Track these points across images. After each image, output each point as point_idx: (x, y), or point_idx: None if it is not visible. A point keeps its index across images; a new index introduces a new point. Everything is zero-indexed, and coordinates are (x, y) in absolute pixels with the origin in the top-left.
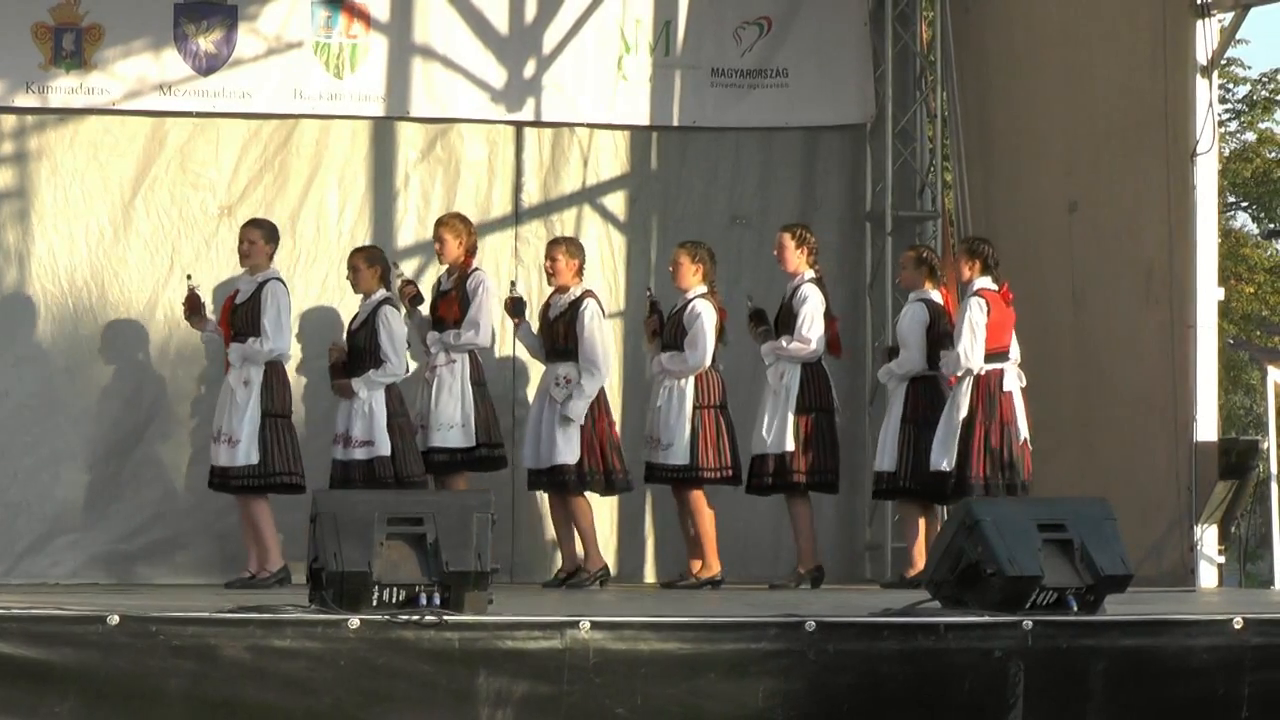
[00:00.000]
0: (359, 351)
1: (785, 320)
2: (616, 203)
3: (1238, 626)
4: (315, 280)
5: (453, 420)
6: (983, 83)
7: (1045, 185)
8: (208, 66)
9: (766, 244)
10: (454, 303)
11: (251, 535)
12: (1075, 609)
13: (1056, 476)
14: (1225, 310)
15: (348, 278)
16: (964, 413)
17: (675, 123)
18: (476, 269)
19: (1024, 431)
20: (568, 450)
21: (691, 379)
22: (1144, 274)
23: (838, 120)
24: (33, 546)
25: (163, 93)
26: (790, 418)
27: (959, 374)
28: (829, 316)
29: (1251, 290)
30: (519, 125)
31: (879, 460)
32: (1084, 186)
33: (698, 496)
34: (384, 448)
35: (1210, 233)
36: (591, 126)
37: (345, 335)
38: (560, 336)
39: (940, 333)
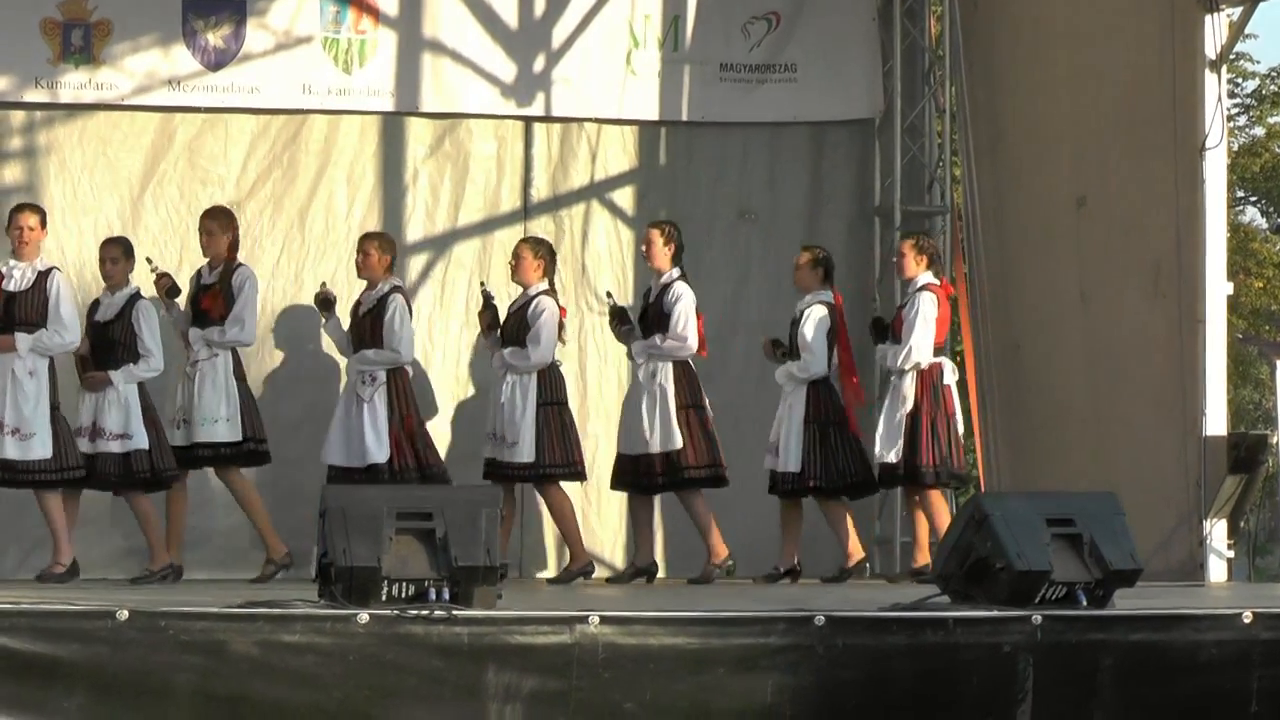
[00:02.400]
0: (111, 343)
1: (656, 318)
2: (625, 198)
3: (1247, 621)
4: (324, 274)
5: (217, 414)
6: (991, 77)
7: (1053, 180)
8: (216, 62)
9: (774, 239)
10: (218, 297)
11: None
12: (1084, 604)
13: (1065, 471)
14: (1234, 305)
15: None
16: (910, 405)
17: (684, 118)
18: (241, 264)
19: (961, 424)
20: (379, 449)
21: (535, 375)
22: (1152, 269)
23: (846, 115)
24: (43, 541)
25: (171, 88)
26: (673, 415)
27: (907, 367)
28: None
29: (1260, 285)
30: (528, 120)
31: (783, 461)
32: (1092, 181)
33: (554, 492)
34: (141, 441)
35: (1219, 228)
36: (600, 121)
37: (88, 327)
38: (367, 331)
39: (834, 335)
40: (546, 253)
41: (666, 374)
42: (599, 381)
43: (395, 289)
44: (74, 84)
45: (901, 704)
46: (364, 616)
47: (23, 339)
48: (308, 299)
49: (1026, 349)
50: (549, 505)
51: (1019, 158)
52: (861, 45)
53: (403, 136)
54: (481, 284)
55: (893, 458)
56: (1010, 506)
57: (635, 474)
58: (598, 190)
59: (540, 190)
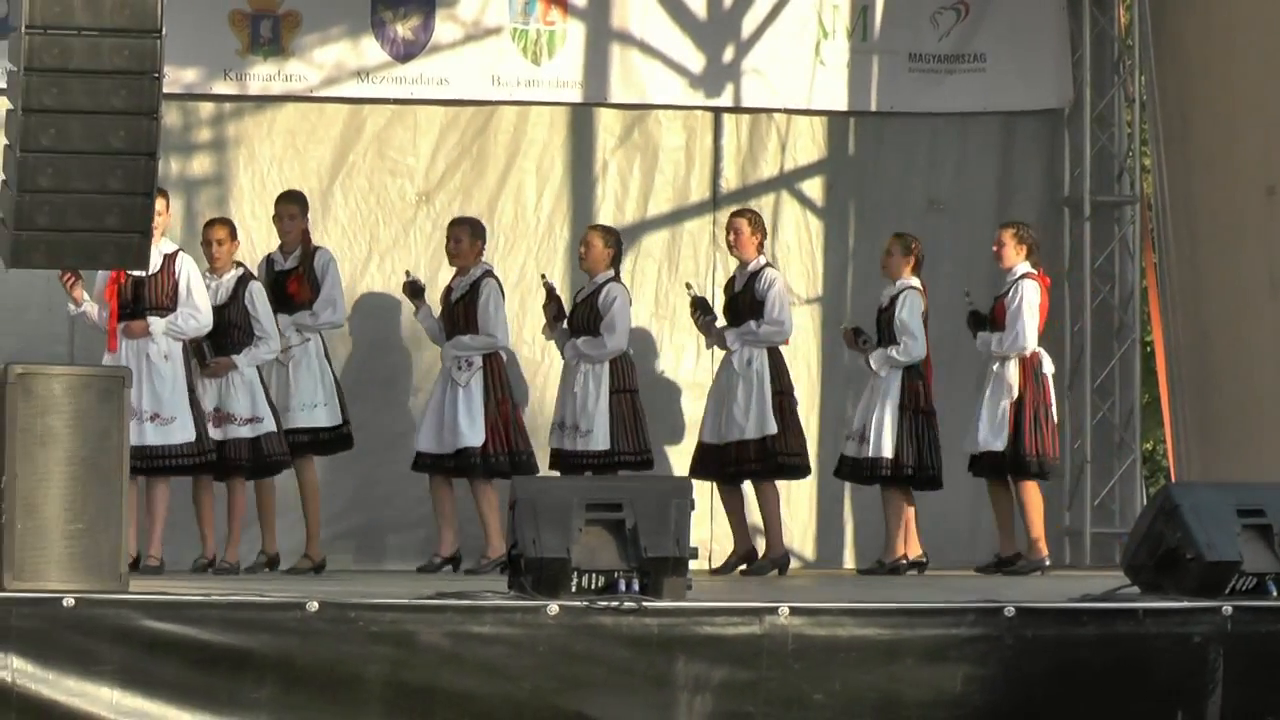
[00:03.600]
0: (226, 326)
1: (747, 306)
2: (814, 188)
3: None
4: (514, 266)
5: (315, 399)
6: (1180, 65)
7: (1243, 168)
8: (405, 53)
9: (964, 229)
10: (302, 281)
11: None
12: (1275, 594)
13: (1256, 461)
14: None
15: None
16: (1015, 393)
17: (873, 108)
18: (320, 246)
19: (1055, 415)
20: (472, 433)
21: (607, 364)
22: None
23: (1035, 105)
24: (226, 535)
25: (360, 79)
26: (769, 400)
27: (1013, 354)
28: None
29: None
30: (717, 111)
31: (874, 447)
32: None
33: None
34: (270, 424)
35: None
36: (789, 112)
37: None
38: (460, 317)
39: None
40: (615, 241)
41: (762, 360)
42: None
43: (487, 273)
44: (262, 76)
45: (1090, 695)
46: (553, 608)
47: (156, 322)
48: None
49: (1216, 338)
50: None
51: (1208, 146)
52: (1050, 34)
53: (592, 127)
54: (543, 276)
55: (999, 445)
56: (1200, 497)
57: (723, 462)
58: (787, 181)
59: (729, 181)
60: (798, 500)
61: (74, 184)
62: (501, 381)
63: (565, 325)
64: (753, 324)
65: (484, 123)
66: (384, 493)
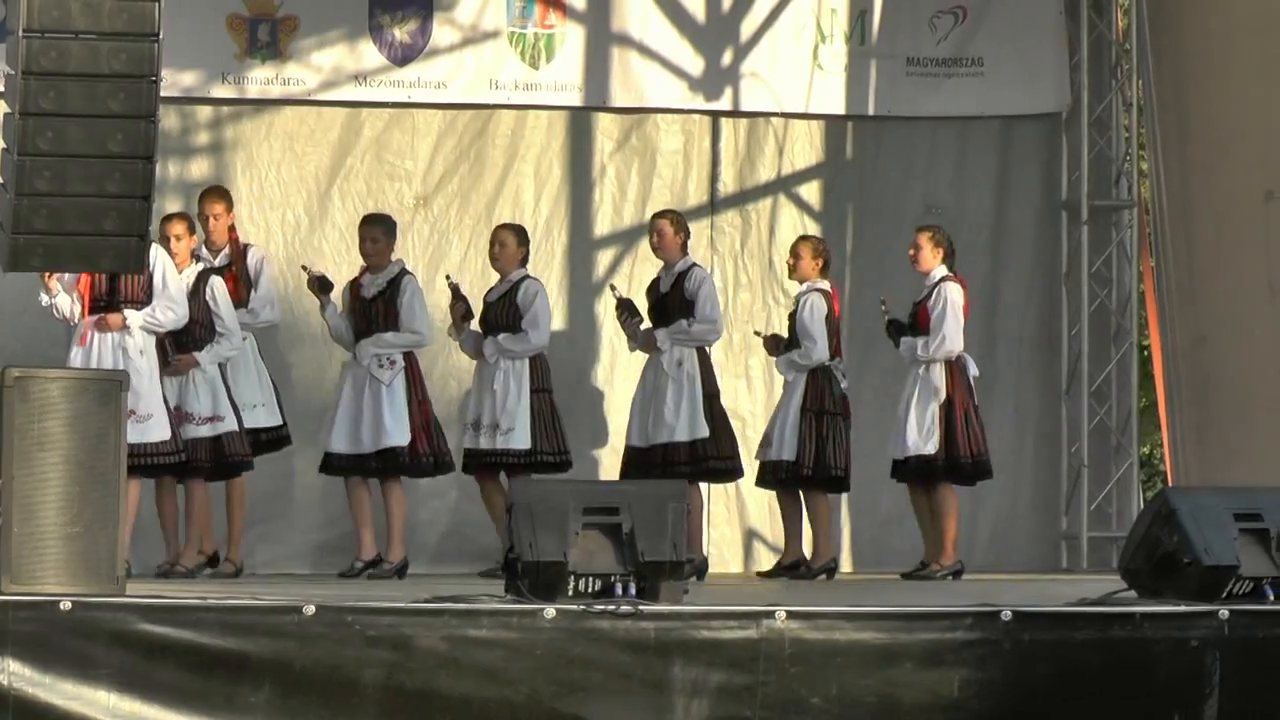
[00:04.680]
0: (189, 323)
1: (676, 305)
2: (812, 192)
3: None
4: None
5: (255, 400)
6: (1179, 70)
7: (1241, 173)
8: (403, 57)
9: (962, 234)
10: (236, 280)
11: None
12: (1272, 599)
13: (1253, 465)
14: None
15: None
16: (943, 396)
17: (871, 112)
18: (249, 244)
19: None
20: (398, 432)
21: (527, 362)
22: None
23: (1033, 109)
24: (226, 538)
25: (358, 83)
26: (700, 403)
27: (940, 357)
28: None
29: None
30: (715, 115)
31: (776, 450)
32: None
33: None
34: (232, 423)
35: None
36: (787, 116)
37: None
38: (380, 314)
39: (832, 323)
40: (527, 240)
41: (693, 362)
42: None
43: (405, 270)
44: (260, 79)
45: (1088, 698)
46: (550, 611)
47: (133, 315)
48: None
49: (1213, 342)
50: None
51: (1206, 150)
52: (1048, 39)
53: (590, 131)
54: (448, 276)
55: (930, 450)
56: (1197, 501)
57: (651, 464)
58: (784, 185)
59: (727, 185)
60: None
61: (72, 187)
62: (421, 380)
63: (474, 325)
64: (684, 323)
65: (482, 126)
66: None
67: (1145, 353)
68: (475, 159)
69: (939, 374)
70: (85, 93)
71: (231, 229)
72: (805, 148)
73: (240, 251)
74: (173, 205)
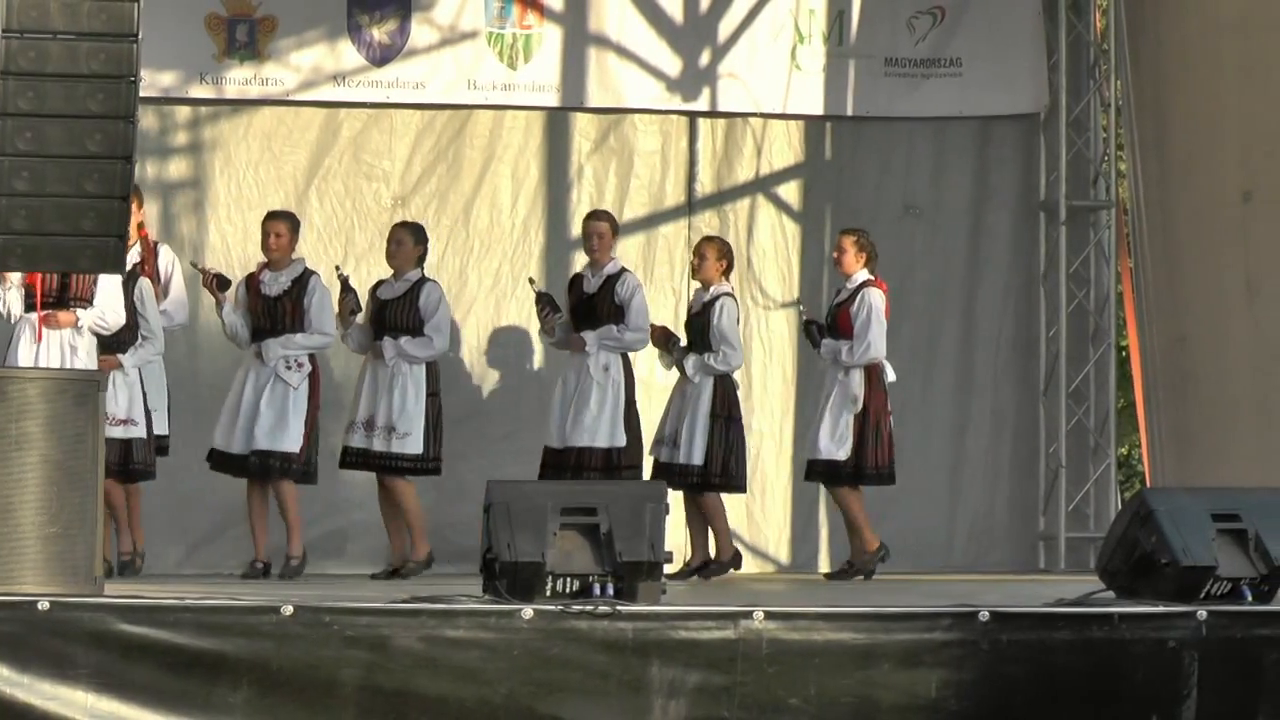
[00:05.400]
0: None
1: (606, 309)
2: (790, 193)
3: None
4: (489, 271)
5: (157, 405)
6: (1157, 71)
7: (1219, 174)
8: (381, 57)
9: (940, 234)
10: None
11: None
12: (1250, 599)
13: (1232, 466)
14: None
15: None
16: (860, 403)
17: (849, 112)
18: (160, 243)
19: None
20: (296, 437)
21: (424, 365)
22: None
23: (1011, 110)
24: (206, 537)
25: (336, 83)
26: (622, 412)
27: (864, 363)
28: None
29: None
30: (693, 115)
31: (685, 454)
32: (1259, 175)
33: (405, 486)
34: (142, 430)
35: None
36: (765, 116)
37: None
38: (285, 314)
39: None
40: (424, 239)
41: (619, 368)
42: (764, 378)
43: (309, 270)
44: (239, 80)
45: (1066, 699)
46: (528, 612)
47: (84, 314)
48: (472, 294)
49: (1192, 342)
50: (405, 494)
51: (1184, 151)
52: (1026, 39)
53: (567, 132)
54: (337, 268)
55: (841, 455)
56: (1176, 502)
57: (563, 467)
58: (763, 185)
59: (705, 185)
60: (772, 505)
61: (50, 187)
62: (319, 385)
63: (361, 321)
64: (614, 328)
65: (460, 127)
66: (358, 497)
67: (1123, 353)
68: (453, 159)
69: (858, 380)
70: (64, 93)
71: (141, 227)
72: (783, 148)
73: (152, 251)
74: (151, 206)
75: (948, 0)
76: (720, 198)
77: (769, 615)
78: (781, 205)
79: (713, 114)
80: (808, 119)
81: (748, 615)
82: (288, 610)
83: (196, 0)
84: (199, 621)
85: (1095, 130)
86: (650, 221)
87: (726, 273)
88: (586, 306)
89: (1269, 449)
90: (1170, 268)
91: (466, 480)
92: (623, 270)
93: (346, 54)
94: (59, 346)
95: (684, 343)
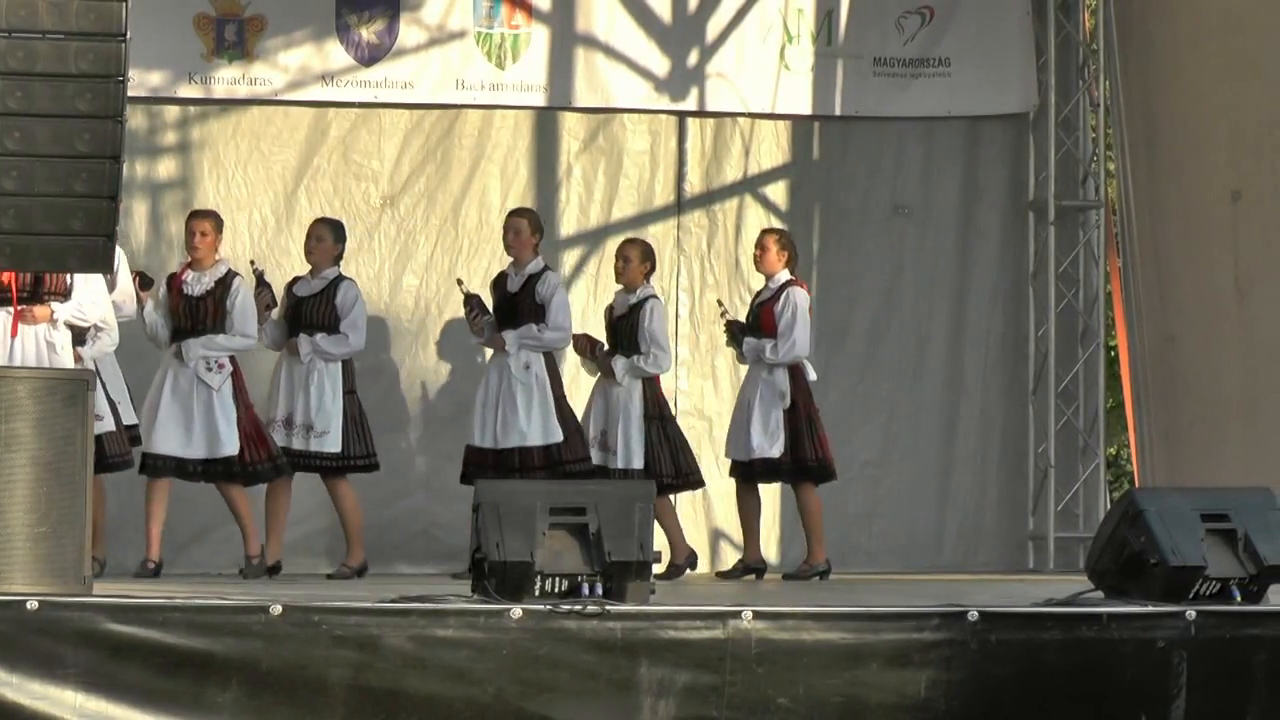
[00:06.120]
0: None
1: (526, 308)
2: (778, 193)
3: None
4: (478, 270)
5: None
6: (1146, 71)
7: (1208, 174)
8: (370, 57)
9: (929, 234)
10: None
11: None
12: (1239, 599)
13: (1221, 466)
14: None
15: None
16: (788, 400)
17: (838, 112)
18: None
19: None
20: (231, 440)
21: (341, 363)
22: None
23: (1000, 109)
24: (195, 537)
25: (325, 83)
26: (552, 407)
27: (789, 361)
28: None
29: None
30: (681, 115)
31: (624, 459)
32: (1248, 175)
33: (343, 485)
34: (109, 424)
35: None
36: (754, 116)
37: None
38: (207, 314)
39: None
40: (343, 236)
41: (541, 365)
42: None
43: (233, 271)
44: (227, 79)
45: (1055, 699)
46: (517, 611)
47: (60, 308)
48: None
49: (1181, 342)
50: (340, 497)
51: (1173, 151)
52: (1015, 39)
53: (556, 131)
54: (252, 262)
55: (775, 453)
56: (1164, 502)
57: (506, 468)
58: (751, 185)
59: (694, 185)
60: (763, 506)
61: (39, 187)
62: (244, 385)
63: (274, 315)
64: (535, 327)
65: (448, 126)
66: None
67: (1112, 353)
68: (442, 159)
69: (783, 378)
70: (52, 92)
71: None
72: (772, 148)
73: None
74: (140, 205)
75: (936, 0)
76: (709, 197)
77: (758, 615)
78: (770, 205)
79: (701, 114)
80: (796, 119)
81: (736, 615)
82: (277, 610)
83: (185, 0)
84: (188, 621)
85: (1084, 130)
86: (639, 221)
87: (649, 275)
88: (509, 306)
89: (1258, 448)
90: (1159, 268)
91: (455, 480)
92: (545, 269)
93: (335, 54)
94: (34, 342)
95: (606, 347)
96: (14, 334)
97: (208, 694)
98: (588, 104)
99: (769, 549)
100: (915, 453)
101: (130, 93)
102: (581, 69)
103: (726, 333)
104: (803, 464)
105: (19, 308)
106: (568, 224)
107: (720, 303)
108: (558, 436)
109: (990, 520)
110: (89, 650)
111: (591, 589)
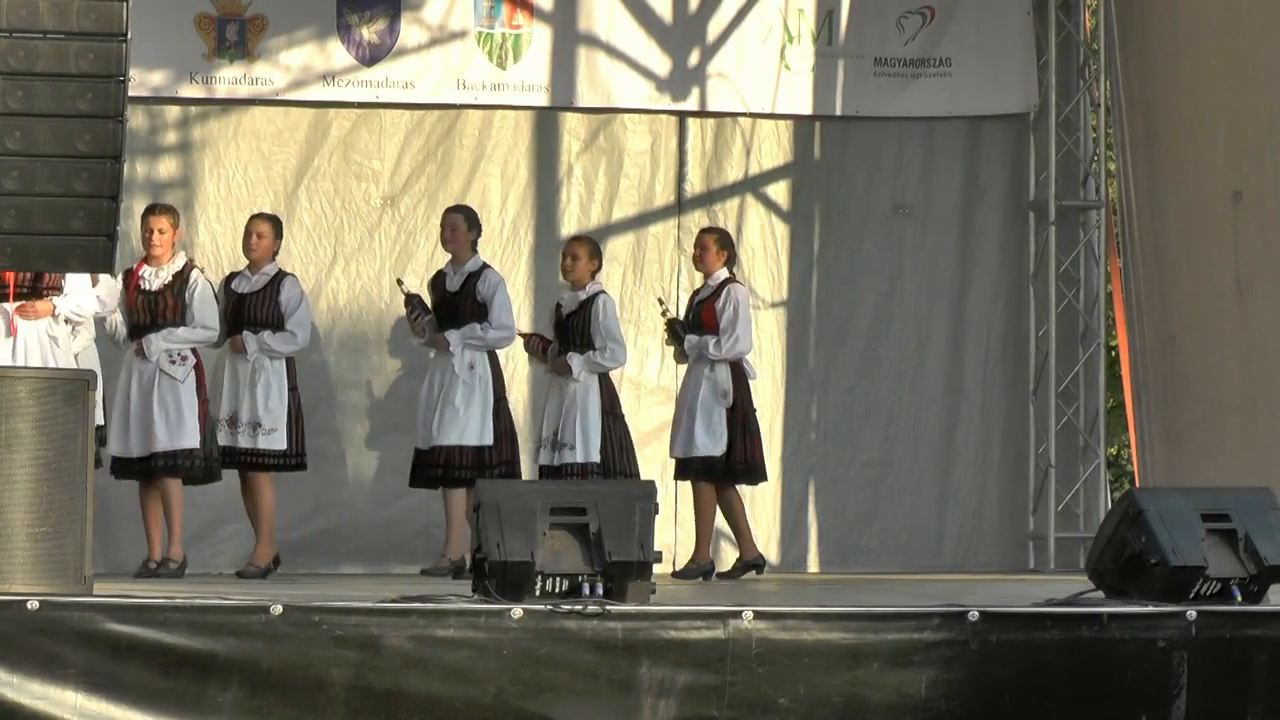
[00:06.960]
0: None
1: (473, 308)
2: (779, 192)
3: None
4: None
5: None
6: (1146, 71)
7: (1209, 174)
8: (371, 57)
9: (929, 234)
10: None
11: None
12: (1239, 599)
13: (1221, 466)
14: None
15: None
16: (731, 399)
17: (838, 112)
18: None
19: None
20: (193, 434)
21: (284, 360)
22: None
23: (1001, 109)
24: (196, 536)
25: (326, 83)
26: (490, 409)
27: (731, 358)
28: None
29: None
30: (682, 115)
31: (582, 453)
32: (1249, 175)
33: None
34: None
35: None
36: (755, 116)
37: None
38: (166, 309)
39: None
40: (281, 233)
41: (484, 365)
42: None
43: (192, 263)
44: (229, 79)
45: (1055, 699)
46: (518, 611)
47: (61, 302)
48: None
49: (1182, 342)
50: (265, 491)
51: (1174, 151)
52: (1016, 39)
53: (557, 131)
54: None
55: (718, 451)
56: (1165, 502)
57: (431, 465)
58: (752, 185)
59: (694, 185)
60: (761, 505)
61: (40, 187)
62: (205, 380)
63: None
64: (478, 327)
65: (449, 126)
66: (347, 496)
67: (1113, 353)
68: (442, 159)
69: (725, 376)
70: (53, 92)
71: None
72: (773, 148)
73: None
74: (140, 205)
75: (937, 0)
76: (709, 197)
77: (758, 615)
78: (771, 205)
79: (702, 114)
80: (797, 119)
81: (737, 615)
82: (277, 610)
83: (186, 0)
84: (188, 621)
85: (1085, 130)
86: (640, 221)
87: (596, 273)
88: (449, 305)
89: (1258, 448)
90: (1160, 267)
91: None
92: (484, 267)
93: (336, 53)
94: (36, 338)
95: (556, 346)
96: (13, 332)
97: (208, 694)
98: (589, 104)
99: (769, 549)
100: (915, 453)
101: (131, 92)
102: (582, 69)
103: (667, 330)
104: (732, 466)
105: (19, 304)
106: (568, 224)
107: (661, 300)
108: (489, 439)
109: (990, 520)
110: (89, 650)
111: (592, 589)
